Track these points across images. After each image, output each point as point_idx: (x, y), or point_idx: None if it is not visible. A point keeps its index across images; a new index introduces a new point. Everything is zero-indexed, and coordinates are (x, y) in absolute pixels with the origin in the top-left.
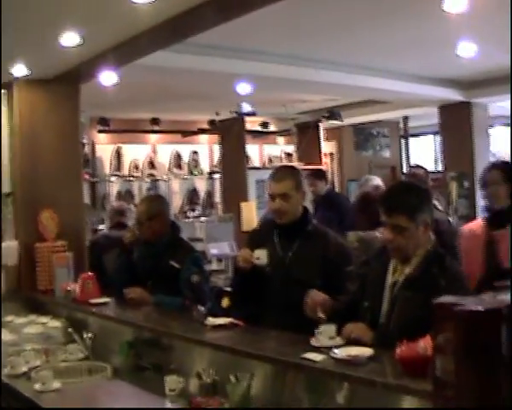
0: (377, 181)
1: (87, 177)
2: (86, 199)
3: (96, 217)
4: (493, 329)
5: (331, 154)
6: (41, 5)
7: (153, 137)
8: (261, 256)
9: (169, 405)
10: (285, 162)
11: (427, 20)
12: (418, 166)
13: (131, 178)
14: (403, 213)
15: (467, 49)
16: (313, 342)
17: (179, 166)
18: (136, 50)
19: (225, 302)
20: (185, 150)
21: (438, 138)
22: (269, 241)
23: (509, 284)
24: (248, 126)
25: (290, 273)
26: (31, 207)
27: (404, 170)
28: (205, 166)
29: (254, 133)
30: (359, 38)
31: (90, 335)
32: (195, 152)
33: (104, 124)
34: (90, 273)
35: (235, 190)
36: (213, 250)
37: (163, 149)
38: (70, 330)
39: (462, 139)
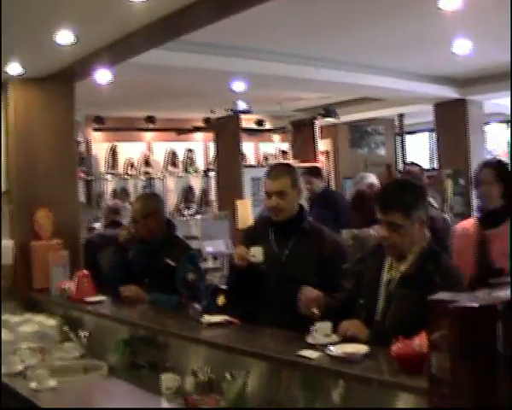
0: (372, 179)
1: (82, 175)
2: (81, 197)
3: (92, 215)
4: (488, 325)
5: (326, 151)
6: (36, 4)
7: (148, 136)
8: (257, 254)
9: (165, 403)
10: (280, 160)
11: (422, 18)
12: (413, 164)
13: (127, 177)
14: (398, 211)
15: (462, 47)
16: (309, 339)
17: (174, 164)
18: (130, 49)
19: (221, 300)
20: (180, 148)
21: (433, 136)
22: (264, 238)
23: (504, 281)
24: (244, 124)
25: (286, 271)
26: (26, 205)
27: (400, 168)
28: (200, 164)
29: (250, 131)
30: (355, 37)
31: (85, 333)
32: (191, 150)
33: (99, 122)
34: (85, 272)
35: (230, 188)
36: (209, 248)
37: (158, 147)
38: (66, 328)
39: (458, 137)
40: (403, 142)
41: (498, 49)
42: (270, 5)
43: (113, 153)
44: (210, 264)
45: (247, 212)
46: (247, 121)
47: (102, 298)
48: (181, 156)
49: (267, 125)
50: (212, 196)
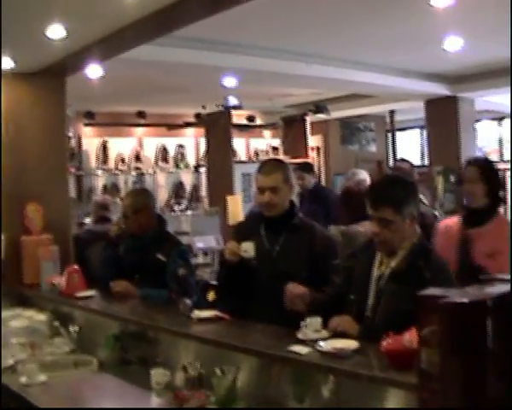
0: (364, 175)
1: (73, 170)
2: (72, 193)
3: (82, 210)
4: (478, 321)
5: (317, 148)
6: None
7: (139, 131)
8: (248, 249)
9: (155, 398)
10: (271, 156)
11: (414, 15)
12: (404, 160)
13: (117, 172)
14: (389, 207)
15: (453, 44)
16: (299, 335)
17: (165, 160)
18: (121, 44)
19: (211, 296)
20: (171, 144)
21: (424, 133)
22: (255, 234)
23: (494, 278)
24: (235, 120)
25: (277, 266)
26: (16, 200)
27: (391, 164)
28: (191, 159)
29: (240, 127)
30: (347, 33)
31: (75, 328)
32: (181, 145)
33: (90, 117)
34: (75, 267)
35: (221, 184)
36: (199, 244)
37: (149, 143)
38: (56, 323)
39: (449, 134)
40: (394, 138)
41: (490, 47)
42: (261, 1)
43: (104, 148)
44: (200, 259)
45: (237, 208)
46: (238, 117)
47: (93, 293)
48: (172, 152)
49: (258, 121)
50: (203, 191)
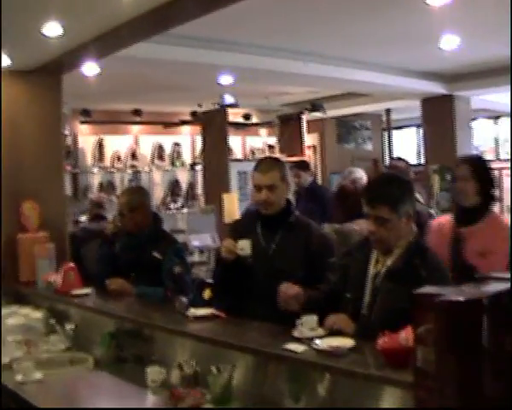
0: (360, 173)
1: (69, 168)
2: (68, 190)
3: (78, 208)
4: (474, 319)
5: (313, 146)
6: None
7: (135, 129)
8: (245, 247)
9: (150, 396)
10: (267, 154)
11: (410, 14)
12: (399, 159)
13: (113, 170)
14: (385, 205)
15: (449, 43)
16: (295, 333)
17: (161, 158)
18: (118, 41)
19: (207, 294)
20: (167, 142)
21: (420, 131)
22: (251, 232)
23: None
24: (231, 118)
25: (273, 264)
26: (12, 198)
27: (387, 163)
28: (187, 157)
29: (236, 125)
30: (343, 32)
31: (71, 326)
32: (177, 144)
33: (86, 115)
34: (71, 264)
35: (217, 182)
36: (195, 242)
37: (145, 141)
38: (52, 321)
39: (445, 132)
40: (390, 137)
41: (486, 45)
42: None
43: (100, 146)
44: (196, 258)
45: (233, 206)
46: (234, 115)
47: (89, 291)
48: (168, 150)
49: (254, 120)
50: (199, 189)
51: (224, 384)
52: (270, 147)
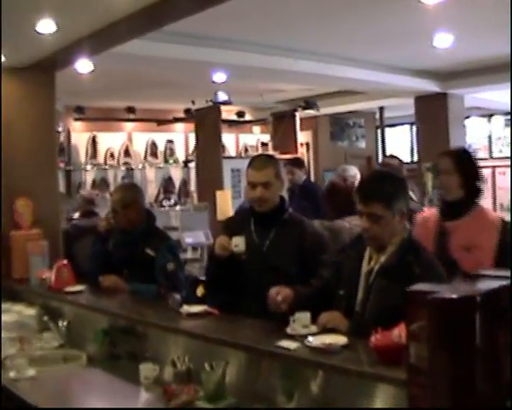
0: (354, 171)
1: (62, 165)
2: (61, 187)
3: (71, 205)
4: (467, 316)
5: (307, 143)
6: None
7: (128, 126)
8: (239, 244)
9: (143, 393)
10: (261, 151)
11: (404, 11)
12: (392, 157)
13: (107, 167)
14: (379, 202)
15: (443, 40)
16: (288, 330)
17: (154, 155)
18: (112, 38)
19: (200, 291)
20: (161, 139)
21: (414, 129)
22: (245, 229)
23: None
24: (224, 115)
25: (267, 261)
26: (6, 195)
27: (380, 160)
28: (180, 154)
29: (230, 122)
30: (336, 29)
31: (64, 323)
32: (171, 141)
33: (80, 112)
34: (64, 261)
35: (210, 179)
36: (188, 239)
37: (138, 138)
38: (45, 318)
39: (438, 130)
40: (383, 135)
41: (480, 44)
42: None
43: (94, 143)
44: (189, 255)
45: (226, 203)
46: (228, 112)
47: (82, 288)
48: (161, 147)
49: (247, 117)
50: (192, 186)
51: (217, 381)
52: (264, 144)
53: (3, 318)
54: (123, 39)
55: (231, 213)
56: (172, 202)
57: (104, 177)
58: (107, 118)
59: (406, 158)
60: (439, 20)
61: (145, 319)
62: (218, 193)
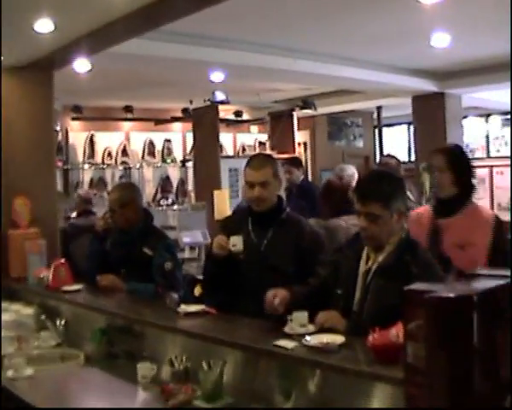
0: (352, 170)
1: (60, 164)
2: (59, 186)
3: (69, 204)
4: (464, 316)
5: (304, 143)
6: None
7: (126, 125)
8: (237, 243)
9: (141, 392)
10: (258, 151)
11: (401, 11)
12: (390, 156)
13: (104, 166)
14: (377, 201)
15: (441, 40)
16: (285, 329)
17: (152, 154)
18: (109, 38)
19: (197, 291)
20: (158, 138)
21: (411, 129)
22: (242, 228)
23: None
24: (222, 115)
25: (265, 260)
26: (3, 194)
27: (378, 160)
28: (178, 154)
29: (228, 122)
30: (334, 29)
31: (62, 322)
32: (168, 140)
33: (77, 111)
34: (62, 260)
35: (208, 179)
36: (186, 239)
37: (136, 137)
38: (43, 317)
39: (436, 130)
40: (381, 134)
41: (477, 43)
42: None
43: (91, 142)
44: (187, 254)
45: (224, 202)
46: (226, 112)
47: (79, 287)
48: (159, 146)
49: (245, 116)
50: (190, 186)
51: (214, 380)
52: (261, 144)
53: (1, 317)
54: (120, 39)
55: (229, 212)
56: (170, 201)
57: (102, 176)
58: (105, 117)
59: (404, 158)
60: (437, 20)
61: (143, 319)
62: (216, 192)
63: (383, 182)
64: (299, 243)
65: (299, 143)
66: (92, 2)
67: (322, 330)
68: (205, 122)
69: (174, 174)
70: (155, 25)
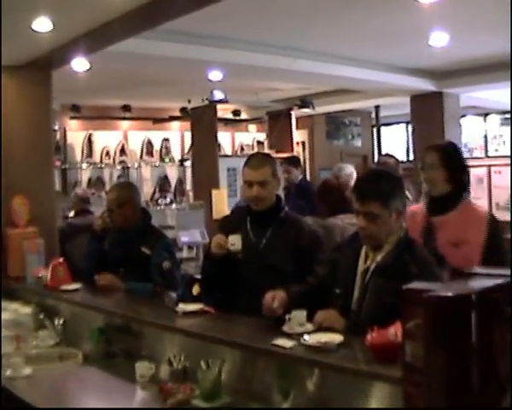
0: (350, 169)
1: (58, 163)
2: (57, 186)
3: (67, 204)
4: (463, 315)
5: (303, 142)
6: None
7: (124, 124)
8: (236, 242)
9: (139, 391)
10: (257, 150)
11: (400, 10)
12: (388, 156)
13: (102, 165)
14: (375, 201)
15: (439, 39)
16: (284, 328)
17: (150, 154)
18: (107, 37)
19: (196, 290)
20: (156, 138)
21: (409, 128)
22: (241, 228)
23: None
24: (220, 114)
25: (264, 259)
26: (2, 193)
27: (376, 159)
28: (176, 153)
29: (226, 121)
30: (332, 28)
31: (60, 321)
32: (167, 139)
33: (76, 111)
34: (60, 260)
35: (206, 178)
36: (184, 238)
37: (134, 137)
38: (41, 316)
39: (434, 129)
40: (379, 134)
41: (475, 43)
42: None
43: (90, 141)
44: (185, 254)
45: (222, 202)
46: (224, 111)
47: (78, 286)
48: (157, 146)
49: (243, 116)
50: (188, 185)
51: (213, 379)
52: (260, 143)
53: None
54: (118, 38)
55: (227, 211)
56: (168, 200)
57: (100, 175)
58: (103, 116)
59: (402, 157)
60: (435, 19)
61: (141, 318)
62: (214, 192)
63: (382, 181)
64: (298, 242)
65: (297, 143)
66: (90, 1)
67: (320, 329)
68: (203, 121)
69: (172, 173)
70: (153, 24)
